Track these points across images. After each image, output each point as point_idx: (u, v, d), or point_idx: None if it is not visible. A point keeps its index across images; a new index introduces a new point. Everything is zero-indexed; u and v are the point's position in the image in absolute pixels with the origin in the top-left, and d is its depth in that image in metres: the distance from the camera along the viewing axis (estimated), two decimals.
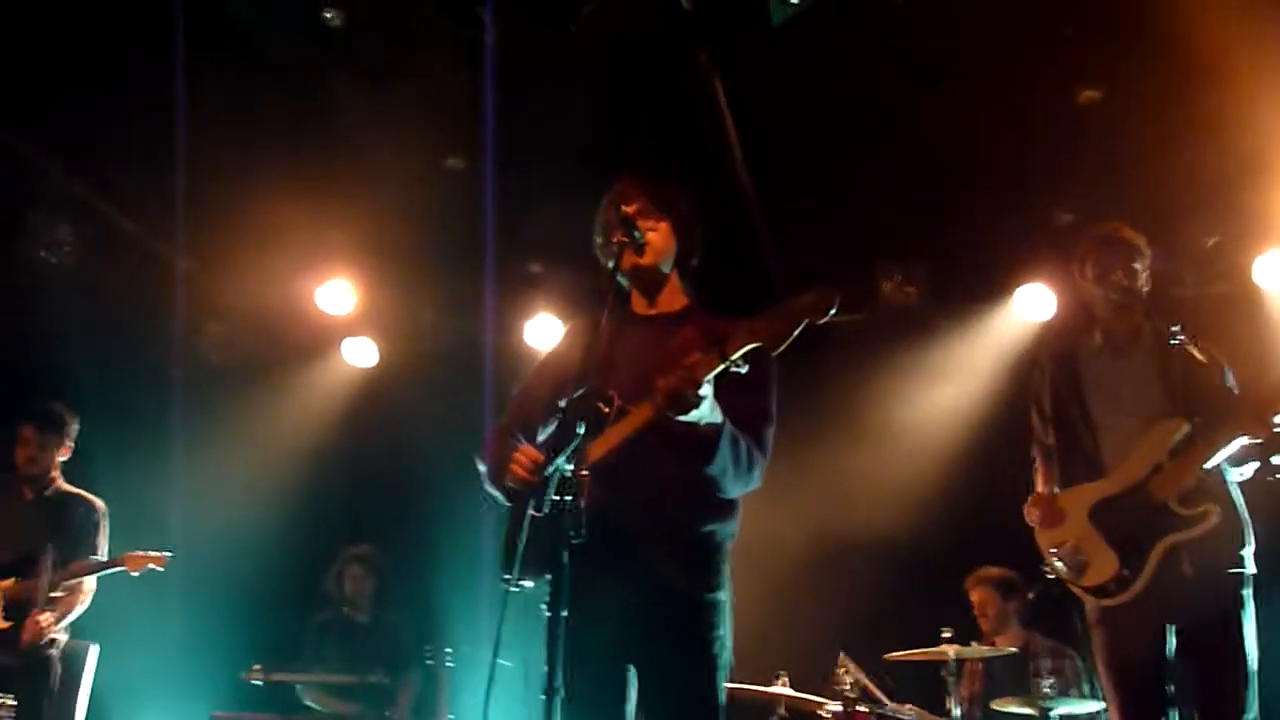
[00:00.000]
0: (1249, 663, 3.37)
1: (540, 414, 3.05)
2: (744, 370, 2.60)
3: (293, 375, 6.67)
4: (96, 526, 5.02)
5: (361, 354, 6.69)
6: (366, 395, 6.71)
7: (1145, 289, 3.72)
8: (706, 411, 2.66)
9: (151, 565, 4.85)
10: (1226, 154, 4.97)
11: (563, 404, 2.67)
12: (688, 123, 5.26)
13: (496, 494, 2.97)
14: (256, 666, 5.29)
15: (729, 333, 2.60)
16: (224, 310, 6.54)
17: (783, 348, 2.55)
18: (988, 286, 5.99)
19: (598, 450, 2.74)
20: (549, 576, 2.52)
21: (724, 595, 2.87)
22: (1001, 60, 4.87)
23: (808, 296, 2.55)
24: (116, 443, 5.51)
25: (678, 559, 2.82)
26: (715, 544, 2.89)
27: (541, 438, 3.03)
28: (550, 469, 2.50)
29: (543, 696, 2.38)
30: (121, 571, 4.85)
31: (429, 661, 5.18)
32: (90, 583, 4.91)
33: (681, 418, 2.63)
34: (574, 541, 2.46)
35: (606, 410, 2.79)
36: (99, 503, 5.10)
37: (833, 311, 2.54)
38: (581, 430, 2.53)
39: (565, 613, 2.43)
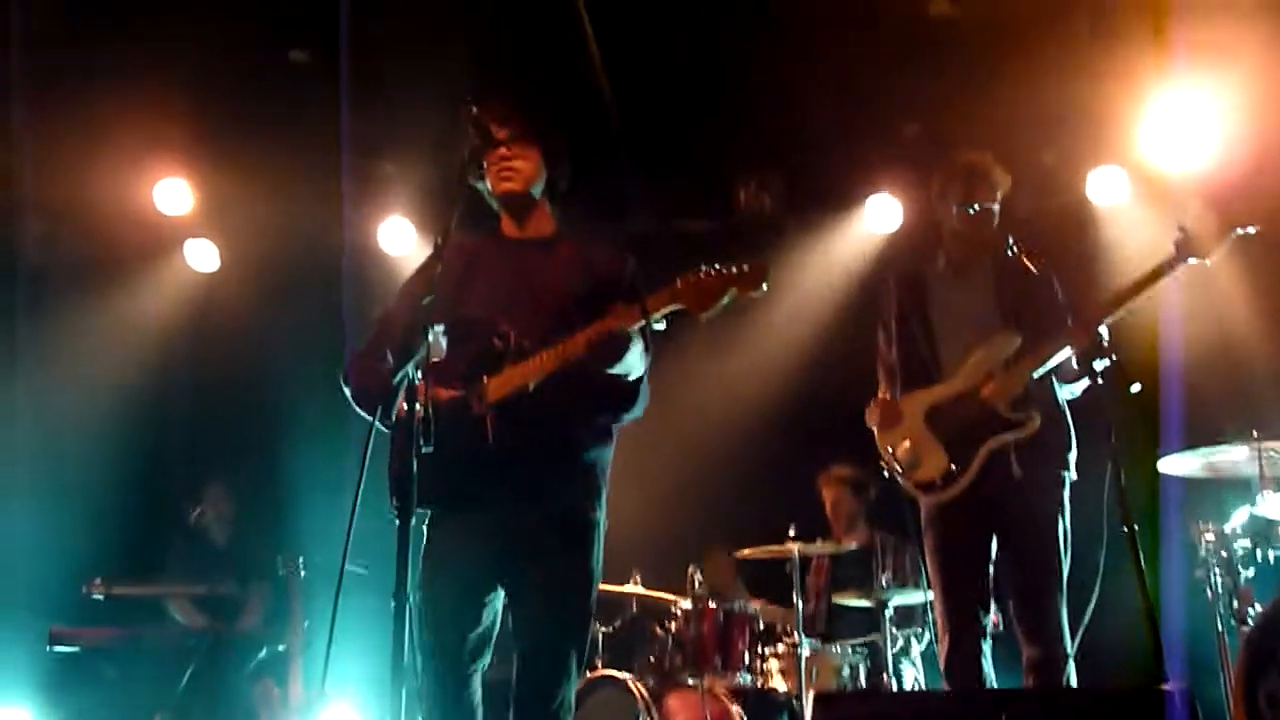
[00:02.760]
0: (1063, 562, 3.62)
1: None
2: (661, 328, 2.66)
3: (129, 279, 6.34)
4: None
5: (203, 257, 6.41)
6: (209, 299, 6.44)
7: (997, 218, 3.86)
8: (636, 362, 2.74)
9: None
10: (1066, 71, 5.14)
11: (424, 302, 2.59)
12: (547, 28, 5.15)
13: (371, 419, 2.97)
14: (97, 580, 5.11)
15: (629, 286, 2.68)
16: (48, 207, 6.13)
17: (709, 314, 2.61)
18: (839, 196, 6.10)
19: (502, 389, 2.80)
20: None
21: (603, 517, 2.99)
22: None
23: (742, 267, 2.60)
24: None
25: (568, 484, 2.91)
26: (600, 469, 3.00)
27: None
28: (400, 377, 2.45)
29: (392, 601, 2.38)
30: None
31: (281, 572, 5.10)
32: None
33: (610, 369, 2.71)
34: (424, 450, 2.45)
35: (500, 345, 2.84)
36: None
37: (765, 287, 2.61)
38: (432, 338, 2.49)
39: (414, 521, 2.41)
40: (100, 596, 5.11)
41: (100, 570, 5.19)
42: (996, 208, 3.86)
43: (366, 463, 2.41)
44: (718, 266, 2.64)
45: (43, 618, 5.17)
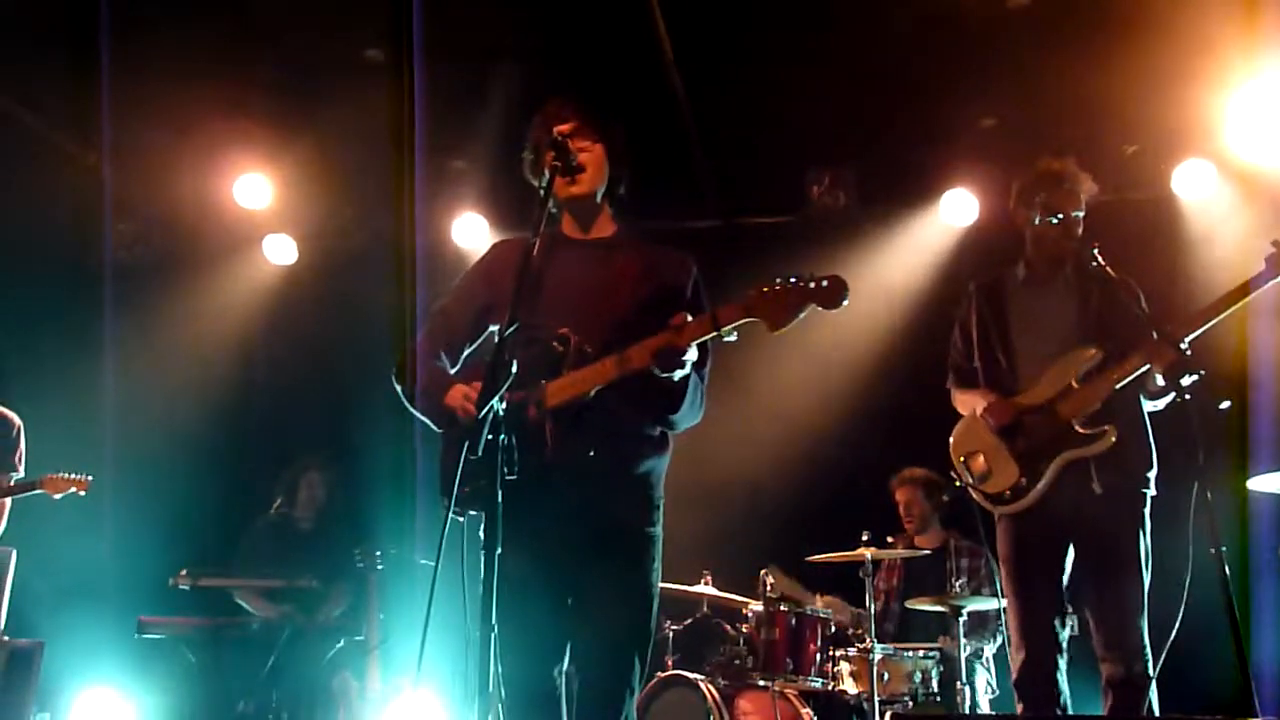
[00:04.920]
0: (1144, 578, 3.57)
1: (465, 335, 3.04)
2: (733, 339, 2.65)
3: (211, 273, 6.49)
4: (13, 442, 4.91)
5: (282, 251, 6.53)
6: (288, 294, 6.56)
7: (1081, 226, 3.79)
8: (687, 369, 2.73)
9: (74, 489, 4.79)
10: (1149, 63, 5.00)
11: (506, 334, 2.57)
12: (618, 25, 5.13)
13: (425, 419, 2.96)
14: (183, 572, 5.26)
15: (703, 302, 2.66)
16: (134, 207, 6.28)
17: (783, 329, 2.60)
18: (914, 191, 6.01)
19: (561, 394, 2.77)
20: (484, 510, 2.54)
21: (660, 529, 2.93)
22: None
23: (819, 283, 2.58)
24: (26, 350, 5.34)
25: (623, 497, 2.86)
26: (655, 479, 2.94)
27: (466, 353, 3.04)
28: (486, 410, 2.47)
29: (478, 634, 2.40)
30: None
31: (360, 565, 5.19)
32: (6, 500, 4.85)
33: (664, 374, 2.69)
34: (508, 478, 2.48)
35: (560, 349, 2.80)
36: (13, 416, 4.95)
37: (845, 303, 2.58)
38: (515, 369, 2.51)
39: (499, 550, 2.44)
40: (186, 587, 5.26)
41: (185, 561, 5.34)
42: (1081, 214, 3.79)
43: (442, 550, 2.42)
44: (794, 279, 2.60)
45: (131, 607, 5.33)
